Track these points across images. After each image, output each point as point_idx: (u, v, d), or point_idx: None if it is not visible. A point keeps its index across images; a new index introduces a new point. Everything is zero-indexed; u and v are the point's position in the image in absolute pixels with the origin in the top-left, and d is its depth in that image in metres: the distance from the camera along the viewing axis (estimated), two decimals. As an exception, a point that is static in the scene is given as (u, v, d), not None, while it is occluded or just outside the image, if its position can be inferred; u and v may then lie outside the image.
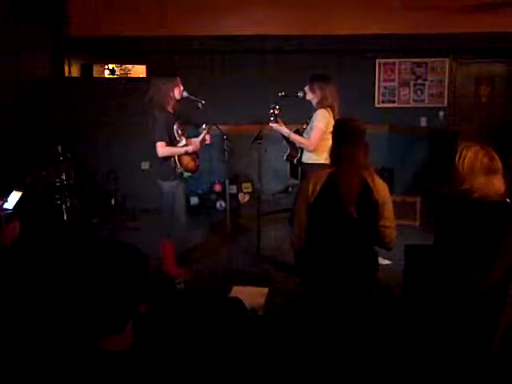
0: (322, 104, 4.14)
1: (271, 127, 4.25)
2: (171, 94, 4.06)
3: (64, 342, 1.40)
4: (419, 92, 7.00)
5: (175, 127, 4.12)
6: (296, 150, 4.35)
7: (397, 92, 7.01)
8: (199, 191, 6.71)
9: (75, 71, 6.97)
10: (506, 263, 2.29)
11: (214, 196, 6.69)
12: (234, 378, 2.42)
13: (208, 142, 4.28)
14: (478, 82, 7.08)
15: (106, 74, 8.04)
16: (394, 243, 2.77)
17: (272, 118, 4.20)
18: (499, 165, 2.37)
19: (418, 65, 6.97)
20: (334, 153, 2.78)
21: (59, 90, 6.26)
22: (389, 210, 2.70)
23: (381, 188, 2.69)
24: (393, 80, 6.99)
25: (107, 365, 1.31)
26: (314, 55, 6.50)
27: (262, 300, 3.82)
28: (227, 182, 4.68)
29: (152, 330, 1.57)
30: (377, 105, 7.02)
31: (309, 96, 4.25)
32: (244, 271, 4.44)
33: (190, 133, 4.42)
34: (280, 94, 4.31)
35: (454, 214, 2.45)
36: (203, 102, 4.13)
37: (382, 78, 6.99)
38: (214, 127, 4.35)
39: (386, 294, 3.09)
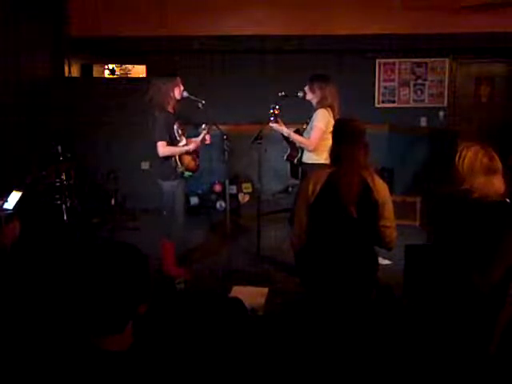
0: (321, 104, 4.14)
1: (271, 127, 4.25)
2: (171, 94, 4.06)
3: (64, 341, 1.40)
4: (419, 92, 7.00)
5: (175, 127, 4.12)
6: (296, 149, 4.35)
7: (397, 92, 7.01)
8: (199, 191, 6.71)
9: (75, 71, 6.97)
10: (506, 263, 2.29)
11: (214, 196, 6.69)
12: (234, 378, 2.42)
13: (208, 141, 4.29)
14: (478, 82, 7.08)
15: (106, 74, 8.04)
16: (394, 243, 2.77)
17: (272, 118, 4.20)
18: (499, 165, 2.37)
19: (418, 65, 6.97)
20: (334, 153, 2.78)
21: (59, 89, 6.26)
22: (389, 210, 2.70)
23: (381, 188, 2.69)
24: (393, 80, 6.99)
25: (107, 365, 1.31)
26: (314, 55, 6.50)
27: (262, 300, 3.82)
28: (227, 182, 4.68)
29: (152, 330, 1.57)
30: (377, 105, 7.02)
31: (309, 96, 4.25)
32: (244, 271, 4.44)
33: (190, 133, 4.42)
34: (280, 94, 4.31)
35: (453, 214, 2.45)
36: (203, 101, 4.13)
37: (381, 78, 6.99)
38: (214, 127, 4.35)
39: (386, 294, 3.09)
